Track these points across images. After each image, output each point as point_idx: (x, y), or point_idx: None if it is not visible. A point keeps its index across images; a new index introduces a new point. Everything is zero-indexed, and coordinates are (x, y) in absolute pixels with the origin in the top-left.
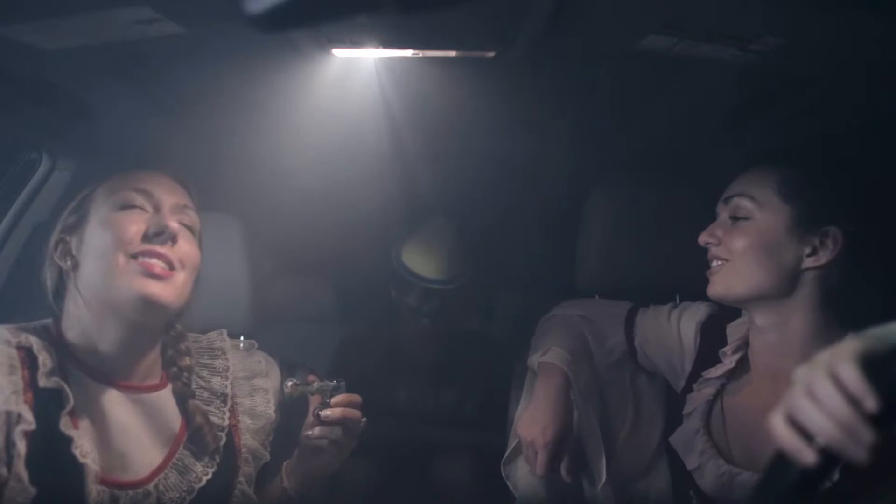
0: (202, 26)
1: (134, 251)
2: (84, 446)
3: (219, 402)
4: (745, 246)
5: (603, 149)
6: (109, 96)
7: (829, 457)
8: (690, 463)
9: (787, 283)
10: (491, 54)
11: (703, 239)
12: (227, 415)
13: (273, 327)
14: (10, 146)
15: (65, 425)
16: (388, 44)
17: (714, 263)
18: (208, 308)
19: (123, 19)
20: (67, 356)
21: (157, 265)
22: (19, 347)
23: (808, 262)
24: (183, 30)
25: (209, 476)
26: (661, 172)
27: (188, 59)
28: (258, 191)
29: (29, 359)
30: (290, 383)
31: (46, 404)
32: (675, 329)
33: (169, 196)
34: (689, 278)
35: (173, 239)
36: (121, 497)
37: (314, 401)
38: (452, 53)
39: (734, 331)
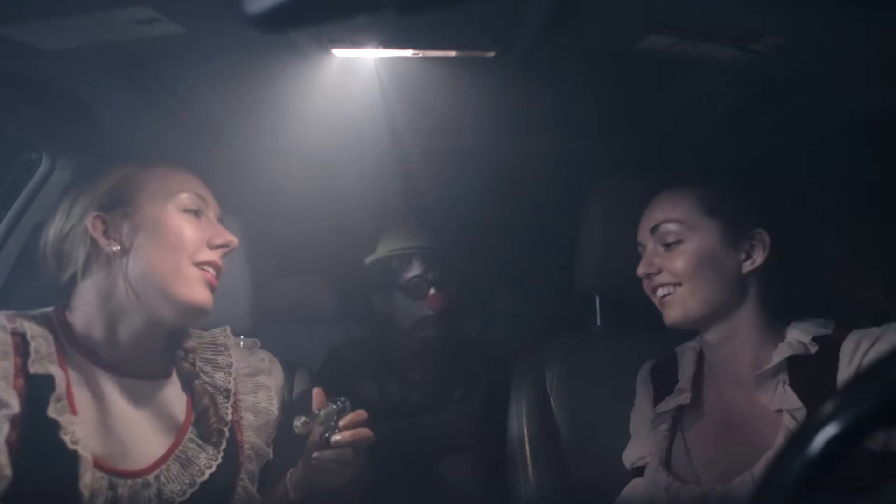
0: (202, 26)
1: (199, 260)
2: (76, 433)
3: (221, 397)
4: (689, 267)
5: (602, 148)
6: (109, 96)
7: (829, 456)
8: (660, 500)
9: (737, 292)
10: (491, 54)
11: (641, 271)
12: (230, 410)
13: (272, 327)
14: (10, 146)
15: (53, 411)
16: (388, 44)
17: (660, 292)
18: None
19: (123, 19)
20: (71, 343)
21: (214, 276)
22: (14, 333)
23: (747, 266)
24: (183, 30)
25: (212, 469)
26: (660, 172)
27: (188, 60)
28: (257, 191)
29: (23, 345)
30: (299, 423)
31: (38, 391)
32: (640, 400)
33: (214, 205)
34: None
35: (227, 252)
36: (119, 485)
37: (315, 397)
38: (452, 53)
39: (685, 369)
